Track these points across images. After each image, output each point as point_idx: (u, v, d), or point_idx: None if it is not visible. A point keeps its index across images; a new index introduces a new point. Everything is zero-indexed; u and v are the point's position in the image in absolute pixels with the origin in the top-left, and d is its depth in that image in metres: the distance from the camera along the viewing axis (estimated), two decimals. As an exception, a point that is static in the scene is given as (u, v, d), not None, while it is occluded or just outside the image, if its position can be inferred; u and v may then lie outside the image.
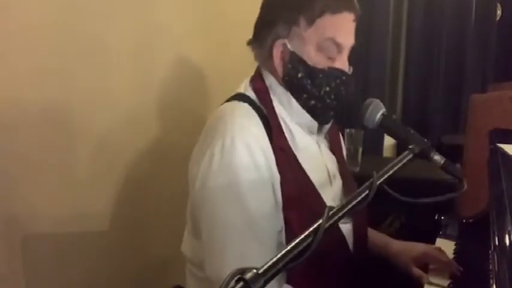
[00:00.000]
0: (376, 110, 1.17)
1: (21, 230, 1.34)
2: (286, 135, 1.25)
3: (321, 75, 1.23)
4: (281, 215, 1.19)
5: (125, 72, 1.58)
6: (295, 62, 1.23)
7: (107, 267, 1.57)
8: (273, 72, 1.27)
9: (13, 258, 1.33)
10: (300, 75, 1.23)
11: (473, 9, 3.57)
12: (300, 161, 1.25)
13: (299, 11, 1.22)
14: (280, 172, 1.19)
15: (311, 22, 1.21)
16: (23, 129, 1.31)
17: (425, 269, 1.37)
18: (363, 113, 1.17)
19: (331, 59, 1.24)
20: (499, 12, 3.77)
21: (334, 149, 1.43)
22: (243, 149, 1.15)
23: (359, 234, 1.36)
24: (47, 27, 1.33)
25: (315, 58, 1.23)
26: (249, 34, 1.32)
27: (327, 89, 1.24)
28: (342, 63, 1.26)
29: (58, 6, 1.36)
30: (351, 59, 1.31)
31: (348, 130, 2.27)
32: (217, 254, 1.16)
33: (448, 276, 1.32)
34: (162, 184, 1.72)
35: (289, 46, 1.23)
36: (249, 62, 1.34)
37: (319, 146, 1.34)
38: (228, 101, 1.30)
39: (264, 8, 1.31)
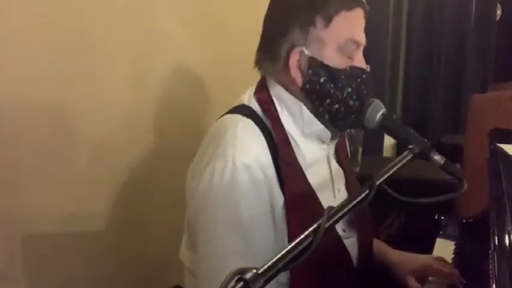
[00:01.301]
0: (376, 110, 1.17)
1: (21, 230, 1.34)
2: (294, 149, 1.21)
3: (343, 77, 1.19)
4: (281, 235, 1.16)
5: (124, 75, 1.58)
6: (315, 67, 1.18)
7: (107, 268, 1.57)
8: (288, 84, 1.22)
9: (13, 258, 1.33)
10: (322, 79, 1.18)
11: (473, 9, 3.57)
12: (308, 176, 1.22)
13: (315, 11, 1.18)
14: (286, 189, 1.16)
15: (328, 21, 1.18)
16: (23, 130, 1.31)
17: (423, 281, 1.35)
18: (363, 113, 1.17)
19: (351, 58, 1.22)
20: (499, 12, 3.78)
21: (341, 159, 1.39)
22: (244, 172, 1.12)
23: (363, 248, 1.32)
24: (46, 30, 1.33)
25: (335, 60, 1.19)
26: (250, 40, 1.29)
27: (349, 90, 1.19)
28: (360, 61, 1.23)
29: (57, 8, 1.36)
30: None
31: (348, 130, 2.26)
32: (211, 271, 1.13)
33: (447, 286, 1.31)
34: (161, 186, 1.72)
35: (306, 52, 1.18)
36: (249, 69, 1.31)
37: (328, 157, 1.31)
38: (230, 112, 1.25)
39: (270, 21, 1.26)
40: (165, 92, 1.74)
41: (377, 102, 1.18)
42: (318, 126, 1.23)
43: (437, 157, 1.07)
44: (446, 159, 1.07)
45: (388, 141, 3.14)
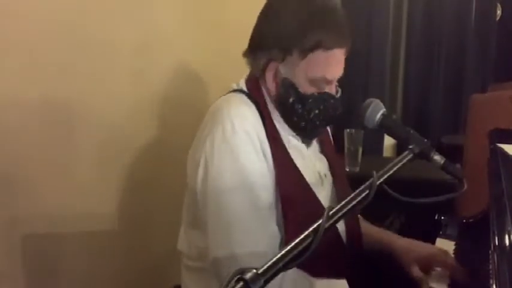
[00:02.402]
0: (376, 110, 1.17)
1: (21, 230, 1.34)
2: (278, 128, 1.29)
3: (310, 100, 1.27)
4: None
5: (126, 71, 1.59)
6: (287, 87, 1.27)
7: (107, 267, 1.57)
8: (265, 88, 1.31)
9: (13, 257, 1.33)
10: (291, 99, 1.27)
11: (473, 9, 3.57)
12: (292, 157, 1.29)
13: (292, 43, 1.24)
14: (273, 159, 1.23)
15: (303, 55, 1.24)
16: (24, 128, 1.31)
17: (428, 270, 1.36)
18: (363, 113, 1.18)
19: (321, 88, 1.29)
20: (499, 12, 3.77)
21: (326, 150, 1.46)
22: (243, 134, 1.20)
23: (351, 226, 1.37)
24: (48, 26, 1.34)
25: (305, 87, 1.27)
26: (248, 39, 1.32)
27: (316, 111, 1.28)
28: (330, 89, 1.30)
29: (59, 4, 1.36)
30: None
31: (348, 130, 2.27)
32: (223, 232, 1.19)
33: (449, 279, 1.31)
34: (162, 184, 1.73)
35: (281, 70, 1.27)
36: (247, 66, 1.35)
37: (307, 150, 1.38)
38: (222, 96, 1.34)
39: (259, 24, 1.32)
40: (167, 88, 1.75)
41: (377, 102, 1.19)
42: (292, 133, 1.32)
43: (437, 157, 1.07)
44: (446, 159, 1.07)
45: (388, 141, 3.14)
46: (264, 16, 1.31)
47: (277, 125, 1.30)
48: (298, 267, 1.17)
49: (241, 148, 1.19)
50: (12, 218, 1.31)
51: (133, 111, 1.62)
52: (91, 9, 1.45)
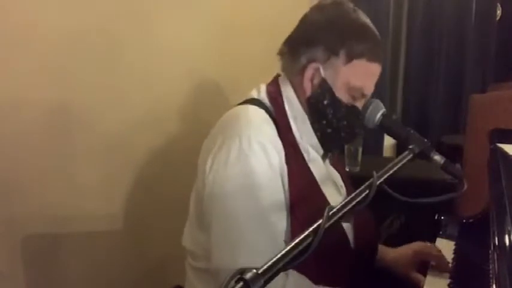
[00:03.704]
0: (376, 110, 1.18)
1: (21, 230, 1.34)
2: (297, 140, 1.28)
3: (343, 109, 1.27)
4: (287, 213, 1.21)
5: (134, 75, 1.59)
6: (324, 88, 1.26)
7: (107, 267, 1.57)
8: (298, 88, 1.29)
9: (13, 258, 1.33)
10: (325, 102, 1.26)
11: (473, 9, 3.57)
12: (311, 167, 1.28)
13: (342, 44, 1.24)
14: (288, 166, 1.21)
15: (349, 59, 1.24)
16: (27, 129, 1.31)
17: (424, 269, 1.37)
18: (363, 113, 1.18)
19: (354, 99, 1.28)
20: (499, 12, 3.78)
21: (335, 163, 1.46)
22: (259, 149, 1.17)
23: (360, 230, 1.35)
24: (54, 26, 1.33)
25: (341, 93, 1.26)
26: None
27: (345, 123, 1.28)
28: (360, 105, 1.29)
29: (63, 9, 1.36)
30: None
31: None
32: (228, 246, 1.17)
33: (448, 276, 1.32)
34: (166, 186, 1.73)
35: (322, 72, 1.25)
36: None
37: (323, 162, 1.37)
38: (238, 104, 1.32)
39: (306, 24, 1.31)
40: (175, 92, 1.75)
41: (377, 102, 1.19)
42: (314, 140, 1.30)
43: (437, 157, 1.07)
44: (446, 159, 1.07)
45: (388, 141, 3.15)
46: (313, 17, 1.31)
47: (297, 135, 1.28)
48: (302, 272, 1.18)
49: (255, 164, 1.16)
50: (12, 218, 1.31)
51: (136, 116, 1.61)
52: (96, 14, 1.44)
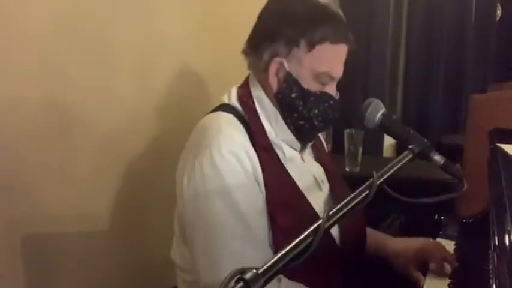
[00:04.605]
0: (376, 110, 1.18)
1: (21, 230, 1.34)
2: (271, 141, 1.27)
3: (312, 98, 1.27)
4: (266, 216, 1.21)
5: (127, 73, 1.59)
6: (290, 82, 1.26)
7: (107, 267, 1.57)
8: (265, 86, 1.29)
9: (13, 258, 1.33)
10: (293, 95, 1.27)
11: (473, 9, 3.56)
12: (287, 167, 1.28)
13: (301, 33, 1.24)
14: (263, 171, 1.21)
15: (311, 47, 1.24)
16: (24, 129, 1.31)
17: (424, 268, 1.37)
18: (363, 113, 1.18)
19: (323, 85, 1.28)
20: (499, 12, 3.77)
21: (321, 157, 1.46)
22: (232, 158, 1.18)
23: (346, 227, 1.34)
24: (49, 27, 1.33)
25: (309, 82, 1.26)
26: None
27: (316, 111, 1.28)
28: (331, 90, 1.30)
29: (60, 6, 1.36)
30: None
31: (348, 130, 2.27)
32: (212, 260, 1.17)
33: (448, 276, 1.32)
34: (162, 185, 1.72)
35: (286, 66, 1.26)
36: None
37: (302, 158, 1.37)
38: (211, 112, 1.32)
39: (264, 19, 1.31)
40: (168, 90, 1.75)
41: (377, 102, 1.19)
42: (289, 136, 1.31)
43: (437, 157, 1.07)
44: (446, 159, 1.07)
45: (388, 141, 3.14)
46: (268, 12, 1.30)
47: (270, 136, 1.27)
48: (289, 278, 1.17)
49: (229, 174, 1.16)
50: (12, 218, 1.31)
51: (133, 113, 1.61)
52: (92, 11, 1.44)
